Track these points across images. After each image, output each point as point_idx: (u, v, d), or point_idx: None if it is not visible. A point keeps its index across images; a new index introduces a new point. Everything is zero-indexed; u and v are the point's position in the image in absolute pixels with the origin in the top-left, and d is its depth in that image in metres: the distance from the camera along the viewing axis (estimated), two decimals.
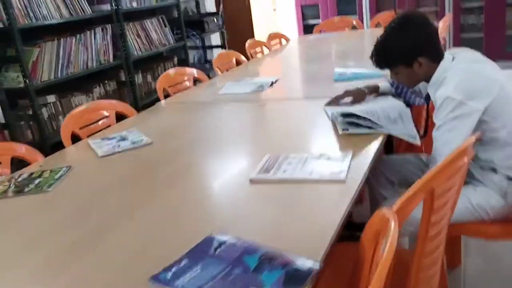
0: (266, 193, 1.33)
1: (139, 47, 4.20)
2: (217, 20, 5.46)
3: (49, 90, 3.37)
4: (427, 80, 1.70)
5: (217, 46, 5.80)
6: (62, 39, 3.41)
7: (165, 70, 4.67)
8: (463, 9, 5.72)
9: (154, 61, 4.54)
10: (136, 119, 2.29)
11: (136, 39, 4.18)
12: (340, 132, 1.65)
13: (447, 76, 1.61)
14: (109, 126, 2.25)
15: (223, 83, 2.80)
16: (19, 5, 3.08)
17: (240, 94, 2.53)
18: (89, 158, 1.77)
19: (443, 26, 3.63)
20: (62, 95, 3.50)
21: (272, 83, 2.67)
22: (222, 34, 5.69)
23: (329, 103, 2.03)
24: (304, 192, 1.30)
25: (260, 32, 7.14)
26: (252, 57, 3.82)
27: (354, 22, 4.80)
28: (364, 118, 1.65)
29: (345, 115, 1.70)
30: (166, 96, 2.79)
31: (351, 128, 1.65)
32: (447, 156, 1.54)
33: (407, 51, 1.63)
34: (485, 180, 1.67)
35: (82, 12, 3.56)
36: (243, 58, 3.58)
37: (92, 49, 3.67)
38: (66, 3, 3.44)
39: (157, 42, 4.45)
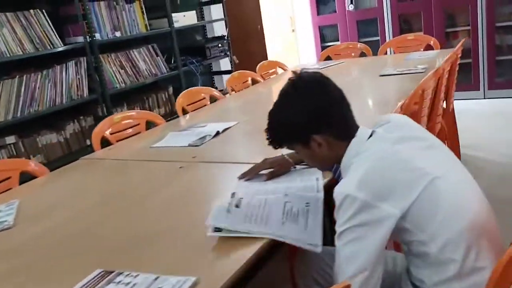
0: None
1: (123, 79, 3.94)
2: (221, 45, 5.13)
3: (9, 130, 3.16)
4: (340, 161, 1.25)
5: (226, 72, 5.48)
6: (24, 76, 3.20)
7: (157, 101, 4.41)
8: (499, 27, 5.04)
9: (144, 92, 4.27)
10: (38, 183, 1.97)
11: (119, 71, 3.92)
12: (209, 233, 1.22)
13: (353, 163, 1.16)
14: (9, 189, 1.94)
15: (173, 129, 2.45)
16: None
17: (172, 149, 2.16)
18: None
19: (450, 58, 3.08)
20: (25, 135, 3.28)
21: (217, 133, 2.27)
22: (231, 59, 5.37)
23: (244, 175, 1.61)
24: None
25: (276, 55, 6.76)
26: (234, 91, 3.45)
27: (359, 46, 4.29)
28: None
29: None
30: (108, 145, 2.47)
31: (225, 231, 1.22)
32: (352, 275, 1.10)
33: (297, 127, 1.20)
34: None
35: (51, 46, 3.34)
36: (217, 93, 3.21)
37: (62, 84, 3.44)
38: (31, 37, 3.23)
39: (147, 72, 4.18)
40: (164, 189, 1.70)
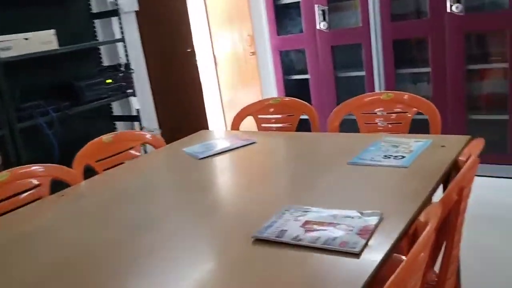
0: None
1: None
2: (113, 80, 3.34)
3: None
4: None
5: (131, 118, 3.69)
6: None
7: None
8: None
9: None
10: None
11: None
12: None
13: None
14: None
15: None
16: None
17: None
18: None
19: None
20: None
21: None
22: (150, 98, 3.58)
23: None
24: None
25: (230, 88, 4.94)
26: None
27: (288, 100, 2.36)
28: None
29: None
30: None
31: None
32: None
33: None
34: None
35: None
36: None
37: None
38: None
39: None
40: None
